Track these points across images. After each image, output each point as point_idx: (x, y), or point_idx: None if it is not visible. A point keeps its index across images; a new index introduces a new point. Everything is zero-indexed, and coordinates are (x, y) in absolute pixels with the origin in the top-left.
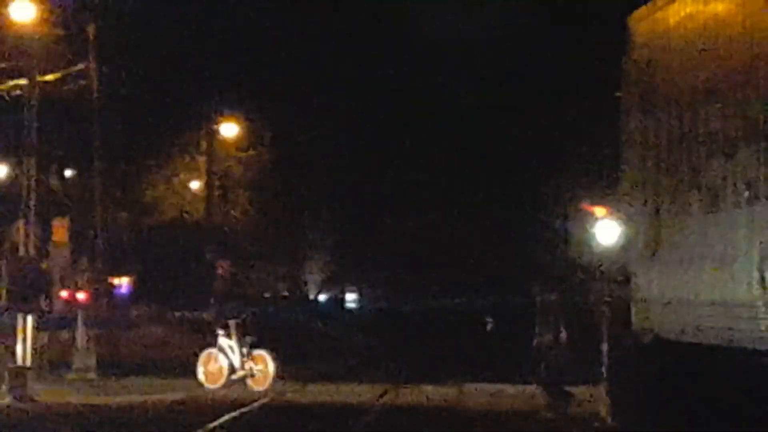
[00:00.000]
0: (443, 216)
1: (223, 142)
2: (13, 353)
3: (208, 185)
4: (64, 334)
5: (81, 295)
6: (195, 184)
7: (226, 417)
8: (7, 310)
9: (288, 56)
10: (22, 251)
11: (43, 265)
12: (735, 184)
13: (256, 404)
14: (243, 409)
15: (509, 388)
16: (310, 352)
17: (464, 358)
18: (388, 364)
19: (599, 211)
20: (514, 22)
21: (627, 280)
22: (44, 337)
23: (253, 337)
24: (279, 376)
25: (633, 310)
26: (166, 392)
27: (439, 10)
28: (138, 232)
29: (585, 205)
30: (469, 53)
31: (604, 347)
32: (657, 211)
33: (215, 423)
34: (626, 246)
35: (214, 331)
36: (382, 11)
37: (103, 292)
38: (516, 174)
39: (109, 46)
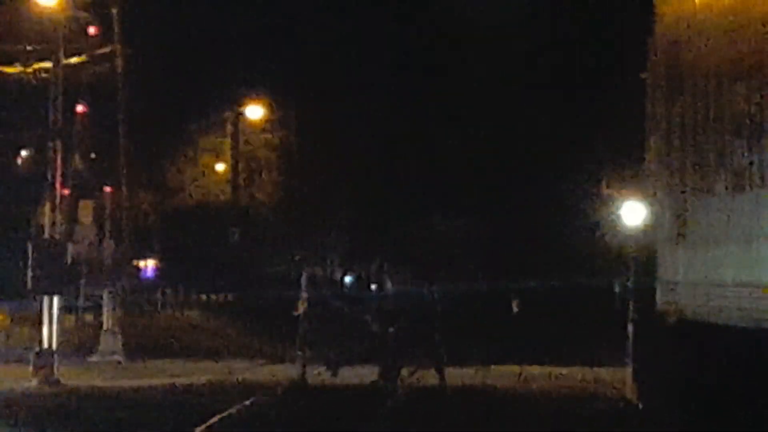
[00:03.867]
0: (468, 200)
1: (249, 124)
2: (39, 336)
3: (234, 167)
4: (90, 317)
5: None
6: (220, 167)
7: (251, 400)
8: (33, 293)
9: (315, 40)
10: (47, 233)
11: (69, 247)
12: (761, 165)
13: (280, 387)
14: (268, 392)
15: (535, 369)
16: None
17: (489, 338)
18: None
19: (624, 192)
20: (539, 2)
21: (652, 261)
22: (70, 319)
23: None
24: None
25: (658, 291)
26: (193, 375)
27: None
28: (163, 214)
29: (610, 187)
30: (494, 32)
31: (630, 329)
32: (683, 192)
33: (240, 405)
34: (652, 227)
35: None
36: None
37: (129, 274)
38: (540, 156)
39: (134, 28)
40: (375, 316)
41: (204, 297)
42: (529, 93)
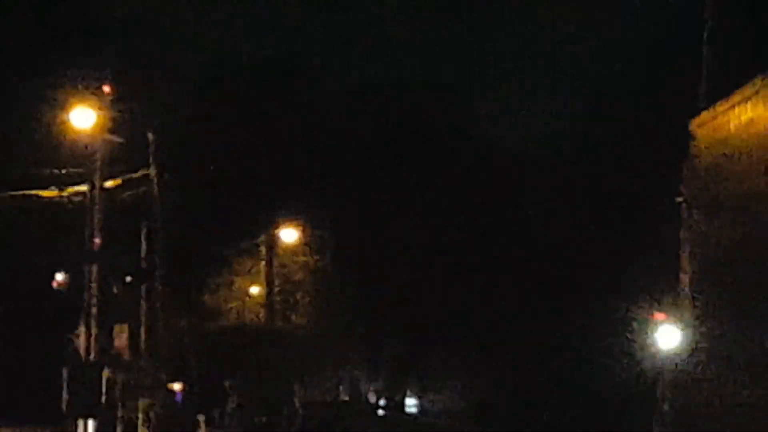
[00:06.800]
0: (501, 320)
1: (284, 247)
2: None
3: (269, 290)
4: None
5: None
6: (255, 289)
7: None
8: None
9: (349, 162)
10: (83, 356)
11: (104, 371)
12: None
13: None
14: None
15: None
16: None
17: None
18: None
19: (659, 316)
20: (574, 128)
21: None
22: None
23: None
24: None
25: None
26: None
27: (499, 118)
28: (199, 336)
29: (645, 310)
30: (531, 159)
31: None
32: (718, 316)
33: None
34: (686, 351)
35: None
36: (446, 122)
37: (164, 397)
38: (574, 279)
39: (169, 152)
40: None
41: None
42: (564, 219)
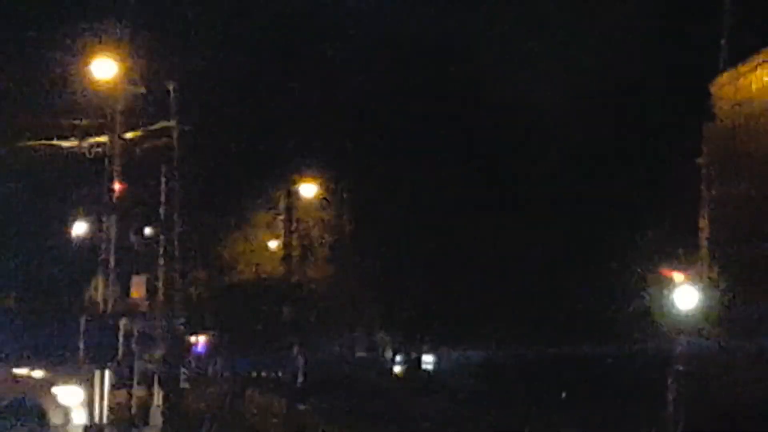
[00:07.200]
0: (520, 276)
1: (304, 201)
2: (90, 409)
3: (287, 245)
4: (142, 392)
5: None
6: (273, 244)
7: None
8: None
9: (372, 117)
10: (100, 307)
11: (122, 322)
12: None
13: None
14: None
15: None
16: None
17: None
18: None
19: (678, 276)
20: (593, 89)
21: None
22: (122, 393)
23: None
24: None
25: None
26: None
27: (516, 74)
28: (216, 289)
29: (664, 270)
30: (547, 115)
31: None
32: (735, 277)
33: None
34: (705, 311)
35: None
36: (459, 78)
37: (181, 349)
38: (593, 239)
39: (190, 104)
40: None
41: (256, 374)
42: (583, 177)
